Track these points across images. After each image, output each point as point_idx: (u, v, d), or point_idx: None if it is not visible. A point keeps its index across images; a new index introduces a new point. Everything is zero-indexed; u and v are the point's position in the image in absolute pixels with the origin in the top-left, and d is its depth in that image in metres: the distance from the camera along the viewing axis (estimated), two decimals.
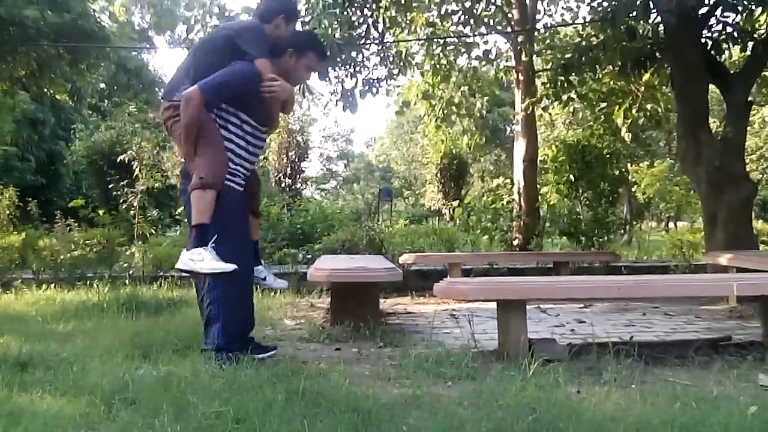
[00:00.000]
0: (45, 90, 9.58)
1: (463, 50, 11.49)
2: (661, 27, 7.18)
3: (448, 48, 11.26)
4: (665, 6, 6.41)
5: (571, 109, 11.79)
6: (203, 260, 3.20)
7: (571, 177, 9.71)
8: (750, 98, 7.01)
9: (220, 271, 3.19)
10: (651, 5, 6.47)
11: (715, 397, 2.79)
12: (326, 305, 5.73)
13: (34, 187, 17.92)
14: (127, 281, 6.95)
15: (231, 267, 3.19)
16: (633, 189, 15.88)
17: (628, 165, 16.69)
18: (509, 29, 11.00)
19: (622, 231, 8.74)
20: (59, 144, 18.44)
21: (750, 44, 7.17)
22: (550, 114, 12.20)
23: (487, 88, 12.12)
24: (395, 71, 9.01)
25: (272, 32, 3.55)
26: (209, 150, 3.29)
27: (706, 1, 6.59)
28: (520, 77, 11.23)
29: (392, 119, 43.53)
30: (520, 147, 11.38)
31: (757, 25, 7.42)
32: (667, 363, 3.46)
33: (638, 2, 6.28)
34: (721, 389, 2.94)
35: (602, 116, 10.51)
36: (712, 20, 7.03)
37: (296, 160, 13.61)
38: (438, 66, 11.38)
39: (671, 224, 24.30)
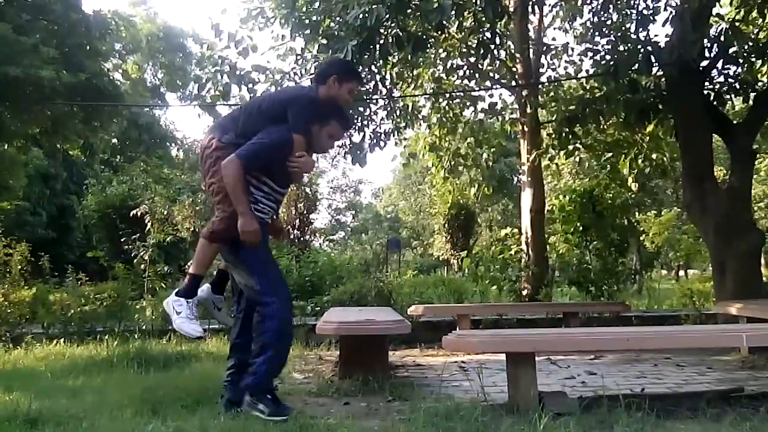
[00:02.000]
0: (58, 147, 9.78)
1: (468, 103, 11.70)
2: (663, 79, 7.32)
3: (453, 101, 11.45)
4: (666, 59, 6.56)
5: (577, 159, 11.92)
6: (180, 314, 3.51)
7: (580, 226, 9.76)
8: (755, 146, 7.08)
9: (186, 333, 3.52)
10: (652, 59, 6.62)
11: None
12: (335, 358, 5.71)
13: (44, 240, 18.02)
14: (136, 335, 6.95)
15: (197, 334, 3.54)
16: (642, 238, 15.88)
17: (636, 214, 16.72)
18: (513, 83, 11.18)
19: (633, 280, 8.70)
20: (70, 198, 18.67)
21: (752, 95, 7.30)
22: (556, 164, 12.29)
23: (493, 140, 12.27)
24: (402, 125, 9.14)
25: (326, 92, 3.70)
26: (228, 209, 3.47)
27: (707, 54, 6.72)
28: (526, 129, 11.37)
29: (400, 169, 43.80)
30: (527, 197, 11.45)
31: (759, 76, 7.52)
32: (679, 416, 3.43)
33: (640, 56, 6.43)
34: None
35: (608, 166, 10.62)
36: (714, 72, 7.16)
37: (305, 212, 13.72)
38: (444, 119, 11.54)
39: (681, 272, 24.15)
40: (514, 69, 11.07)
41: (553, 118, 10.25)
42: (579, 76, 9.32)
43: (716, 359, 5.99)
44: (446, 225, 14.46)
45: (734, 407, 3.58)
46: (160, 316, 7.58)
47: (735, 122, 7.26)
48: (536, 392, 3.44)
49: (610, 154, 10.27)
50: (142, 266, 8.07)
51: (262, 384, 3.46)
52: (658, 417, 3.38)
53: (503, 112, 12.02)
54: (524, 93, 10.80)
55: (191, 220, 15.18)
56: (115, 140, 24.16)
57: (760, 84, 7.39)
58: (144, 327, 7.56)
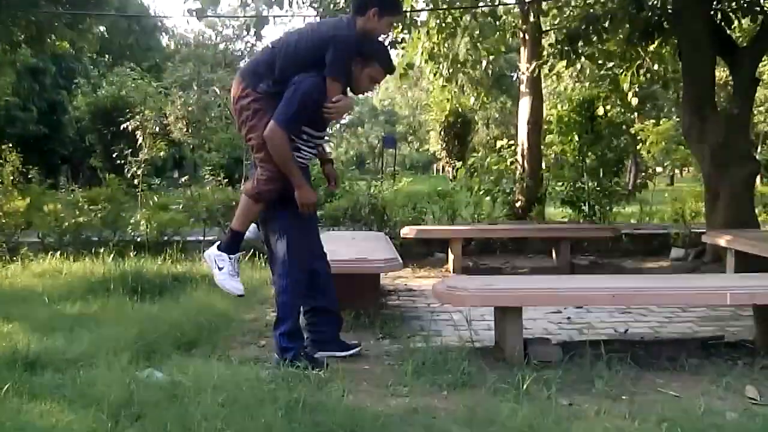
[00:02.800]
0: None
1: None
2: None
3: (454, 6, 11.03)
4: None
5: (578, 66, 11.65)
6: (222, 270, 3.53)
7: (576, 140, 9.66)
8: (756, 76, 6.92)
9: (226, 289, 3.57)
10: None
11: (702, 413, 2.88)
12: None
13: (36, 137, 17.89)
14: (132, 251, 7.03)
15: (239, 291, 3.55)
16: (638, 147, 15.76)
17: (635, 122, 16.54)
18: None
19: (626, 200, 8.72)
20: (61, 93, 18.32)
21: (760, 18, 7.04)
22: (557, 73, 12.04)
23: (493, 46, 11.93)
24: (400, 36, 8.83)
25: (364, 24, 3.50)
26: (273, 168, 3.41)
27: None
28: (527, 37, 11.05)
29: (397, 62, 42.90)
30: (524, 108, 11.28)
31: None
32: (659, 367, 3.54)
33: None
34: (708, 402, 3.02)
35: (609, 77, 10.40)
36: None
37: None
38: (444, 24, 11.16)
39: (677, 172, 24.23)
40: None
41: (556, 23, 9.91)
42: None
43: None
44: (442, 133, 14.33)
45: (713, 358, 3.70)
46: (155, 229, 7.66)
47: (741, 47, 7.04)
48: (521, 342, 3.53)
49: (612, 64, 10.01)
50: (135, 181, 8.04)
51: (289, 350, 3.51)
52: (639, 368, 3.50)
53: (504, 17, 11.64)
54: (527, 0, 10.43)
55: (183, 121, 15.05)
56: (102, 28, 23.45)
57: None
58: (139, 239, 7.63)
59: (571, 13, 8.89)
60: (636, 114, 15.81)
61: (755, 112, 31.13)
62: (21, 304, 5.00)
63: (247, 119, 3.45)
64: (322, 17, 6.15)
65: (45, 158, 18.70)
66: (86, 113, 13.35)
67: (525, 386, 3.06)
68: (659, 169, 14.70)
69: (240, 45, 30.27)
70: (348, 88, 3.65)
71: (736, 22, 7.36)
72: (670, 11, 7.01)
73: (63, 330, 4.20)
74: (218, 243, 3.63)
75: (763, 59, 7.13)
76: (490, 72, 12.17)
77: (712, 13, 6.99)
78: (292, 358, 3.46)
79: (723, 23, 7.13)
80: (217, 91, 15.65)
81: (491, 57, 12.31)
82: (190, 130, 15.25)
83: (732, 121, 6.62)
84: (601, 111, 9.44)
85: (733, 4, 7.08)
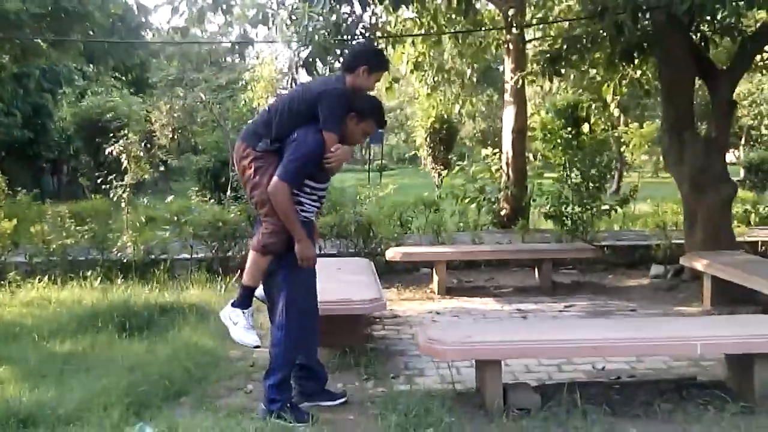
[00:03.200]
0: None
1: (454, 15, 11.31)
2: (650, 21, 7.13)
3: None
4: (654, 4, 6.36)
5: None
6: (237, 324, 3.66)
7: (560, 149, 9.79)
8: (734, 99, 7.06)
9: (243, 343, 3.68)
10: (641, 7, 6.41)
11: None
12: None
13: (21, 141, 17.81)
14: (119, 278, 7.09)
15: (254, 343, 3.63)
16: (622, 149, 15.97)
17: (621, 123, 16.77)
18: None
19: (609, 215, 8.86)
20: (44, 97, 18.18)
21: (739, 39, 7.16)
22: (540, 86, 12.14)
23: (477, 55, 12.01)
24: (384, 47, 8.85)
25: (353, 81, 3.65)
26: (277, 222, 3.53)
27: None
28: (511, 47, 11.13)
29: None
30: (509, 117, 11.40)
31: (744, 22, 7.36)
32: (633, 414, 3.67)
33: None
34: None
35: (593, 84, 10.51)
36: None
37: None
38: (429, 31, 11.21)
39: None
40: None
41: (538, 45, 10.02)
42: (564, 18, 9.04)
43: (679, 309, 6.29)
44: (428, 139, 14.43)
45: (686, 400, 3.83)
46: (141, 251, 7.72)
47: (719, 69, 7.17)
48: (501, 391, 3.65)
49: (594, 72, 10.10)
50: (122, 204, 8.08)
51: (275, 401, 3.60)
52: (614, 414, 3.63)
53: (488, 26, 11.70)
54: (510, 12, 10.50)
55: (169, 127, 15.04)
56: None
57: (747, 28, 7.23)
58: (125, 261, 7.67)
59: (553, 34, 8.96)
60: (621, 116, 16.05)
61: (739, 106, 31.51)
62: (11, 342, 5.08)
63: (250, 177, 3.59)
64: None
65: (30, 162, 18.65)
66: (71, 123, 13.34)
67: None
68: (645, 157, 14.88)
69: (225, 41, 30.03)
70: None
71: (713, 45, 7.47)
72: (650, 33, 7.09)
73: (52, 375, 4.30)
74: (232, 301, 3.75)
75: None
76: (474, 80, 12.23)
77: (691, 34, 7.11)
78: (278, 410, 3.57)
79: (702, 45, 7.25)
80: (203, 96, 15.59)
81: (476, 65, 12.43)
82: (176, 137, 15.27)
83: (710, 145, 6.76)
84: (585, 126, 9.57)
85: (714, 26, 7.18)
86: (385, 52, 4.01)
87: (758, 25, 7.44)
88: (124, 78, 18.89)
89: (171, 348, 4.77)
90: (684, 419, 3.58)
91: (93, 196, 8.45)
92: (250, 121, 3.84)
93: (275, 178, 3.46)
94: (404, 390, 4.07)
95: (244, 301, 3.69)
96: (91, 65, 14.46)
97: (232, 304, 3.71)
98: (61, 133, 17.22)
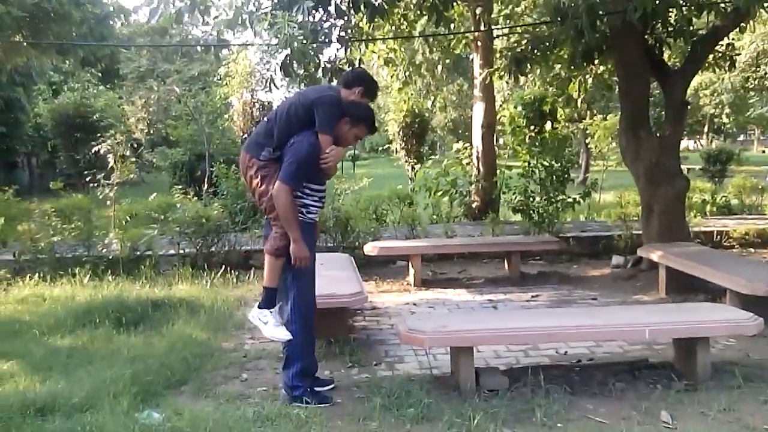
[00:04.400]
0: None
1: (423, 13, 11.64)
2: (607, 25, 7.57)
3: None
4: (610, 9, 6.79)
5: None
6: (267, 323, 3.99)
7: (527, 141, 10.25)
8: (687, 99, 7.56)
9: (277, 339, 4.01)
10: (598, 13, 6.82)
11: None
12: None
13: None
14: (109, 275, 7.37)
15: (287, 337, 3.94)
16: (588, 141, 16.53)
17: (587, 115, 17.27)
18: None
19: (573, 208, 9.38)
20: (17, 91, 18.15)
21: (691, 41, 7.64)
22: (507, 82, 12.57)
23: (447, 51, 12.40)
24: (356, 57, 9.21)
25: (347, 96, 4.04)
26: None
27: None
28: (479, 43, 11.55)
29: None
30: (478, 113, 11.84)
31: (696, 24, 7.84)
32: (590, 393, 4.13)
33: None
34: (629, 428, 3.61)
35: (559, 79, 10.97)
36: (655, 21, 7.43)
37: (261, 119, 13.79)
38: (399, 30, 11.54)
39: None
40: None
41: (504, 46, 10.42)
42: (530, 24, 9.46)
43: (638, 298, 6.79)
44: (400, 132, 14.82)
45: (638, 380, 4.30)
46: (127, 248, 8.00)
47: (673, 70, 7.65)
48: (473, 375, 4.07)
49: (559, 66, 10.53)
50: (107, 202, 8.34)
51: (298, 387, 3.99)
52: (572, 394, 4.08)
53: (457, 20, 12.03)
54: (478, 11, 10.89)
55: (144, 122, 15.19)
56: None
57: (699, 32, 7.71)
58: (111, 257, 7.94)
59: (519, 31, 9.38)
60: (587, 108, 16.56)
61: (701, 95, 32.44)
62: (13, 338, 5.37)
63: (257, 186, 3.95)
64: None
65: (4, 157, 18.61)
66: (48, 119, 13.44)
67: (476, 421, 3.61)
68: (613, 145, 15.37)
69: (197, 32, 30.06)
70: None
71: (667, 48, 7.95)
72: (608, 36, 7.53)
73: (59, 368, 4.62)
74: (257, 303, 4.08)
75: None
76: (445, 76, 12.64)
77: (646, 37, 7.57)
78: (300, 395, 3.97)
79: (657, 47, 7.73)
80: (177, 90, 15.79)
81: (447, 60, 12.84)
82: (152, 131, 15.44)
83: (664, 142, 7.25)
84: (548, 124, 10.03)
85: (667, 29, 7.65)
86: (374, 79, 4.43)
87: (709, 27, 7.95)
88: (93, 70, 18.94)
89: (167, 341, 5.12)
90: (635, 396, 4.05)
91: (72, 193, 8.63)
92: (252, 133, 4.20)
93: (277, 182, 3.82)
94: (386, 375, 4.50)
95: (268, 301, 4.03)
96: (62, 58, 14.46)
97: (259, 306, 4.05)
98: (35, 128, 17.22)
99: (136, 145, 12.81)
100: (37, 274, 7.57)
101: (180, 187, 10.08)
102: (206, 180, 12.10)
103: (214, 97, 16.90)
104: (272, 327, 3.98)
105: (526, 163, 9.16)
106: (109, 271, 7.59)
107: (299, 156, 3.85)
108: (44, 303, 6.53)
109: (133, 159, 9.18)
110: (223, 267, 7.75)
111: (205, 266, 7.86)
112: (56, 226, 8.15)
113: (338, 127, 4.00)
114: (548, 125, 10.29)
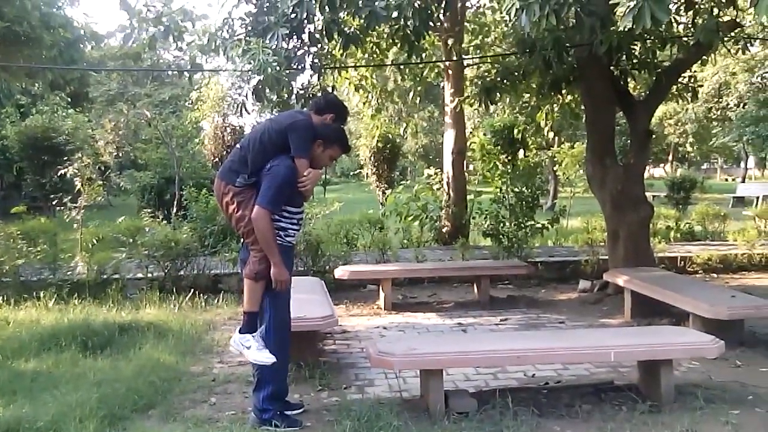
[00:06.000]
0: None
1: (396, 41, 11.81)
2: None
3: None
4: (577, 42, 6.99)
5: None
6: (250, 348, 3.96)
7: (498, 168, 10.42)
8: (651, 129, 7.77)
9: (261, 362, 3.94)
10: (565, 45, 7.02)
11: None
12: None
13: None
14: (75, 300, 7.27)
15: (271, 360, 3.90)
16: (555, 168, 16.81)
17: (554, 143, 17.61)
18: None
19: (542, 233, 9.56)
20: None
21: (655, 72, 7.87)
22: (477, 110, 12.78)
23: (418, 79, 12.56)
24: (329, 84, 9.31)
25: (318, 121, 4.11)
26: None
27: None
28: (450, 72, 11.74)
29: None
30: (449, 139, 12.00)
31: (660, 56, 8.09)
32: (558, 414, 4.18)
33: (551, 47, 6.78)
34: None
35: (528, 108, 11.18)
36: (620, 53, 7.64)
37: (233, 144, 13.77)
38: (371, 58, 11.69)
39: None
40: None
41: (474, 75, 10.62)
42: (499, 54, 9.69)
43: (604, 321, 6.90)
44: (372, 158, 14.96)
45: (603, 402, 4.37)
46: (94, 272, 7.91)
47: (637, 101, 7.87)
48: (442, 397, 4.11)
49: (528, 95, 10.73)
50: (74, 225, 8.25)
51: (267, 411, 3.97)
52: (540, 416, 4.13)
53: (428, 49, 12.22)
54: (449, 41, 11.09)
55: (114, 145, 15.08)
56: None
57: (664, 64, 7.95)
58: (77, 280, 7.83)
59: (489, 62, 9.59)
60: (555, 137, 16.89)
61: (666, 125, 33.25)
62: None
63: (234, 212, 3.96)
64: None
65: None
66: (15, 142, 13.29)
67: None
68: (581, 172, 15.67)
69: (168, 56, 30.02)
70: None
71: (632, 80, 8.19)
72: (575, 68, 7.74)
73: (24, 392, 4.54)
74: (238, 329, 4.07)
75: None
76: (417, 102, 12.79)
77: (612, 68, 7.78)
78: (270, 418, 3.95)
79: (622, 78, 7.95)
80: (147, 114, 15.72)
81: (419, 88, 13.01)
82: (120, 154, 15.32)
83: (629, 170, 7.44)
84: (520, 152, 10.22)
85: (632, 61, 7.88)
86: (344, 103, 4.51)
87: (672, 59, 8.21)
88: (62, 93, 18.80)
89: (134, 364, 5.06)
90: (601, 418, 4.11)
91: (38, 216, 8.53)
92: (225, 160, 4.24)
93: (257, 207, 3.85)
94: (356, 398, 4.51)
95: (250, 325, 4.02)
96: (31, 81, 14.39)
97: (240, 331, 4.04)
98: (1, 150, 16.96)
99: (103, 168, 12.67)
100: (0, 297, 7.43)
101: (149, 210, 10.02)
102: (175, 203, 12.04)
103: (184, 121, 16.87)
104: (255, 351, 3.96)
105: (498, 189, 9.30)
106: (75, 295, 7.48)
107: (277, 181, 3.89)
108: (8, 326, 6.40)
109: (101, 182, 9.08)
110: (192, 291, 7.70)
111: (174, 290, 7.80)
112: (21, 249, 8.04)
113: (313, 150, 4.05)
114: (521, 153, 10.43)
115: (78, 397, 4.25)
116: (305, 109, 4.71)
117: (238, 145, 4.19)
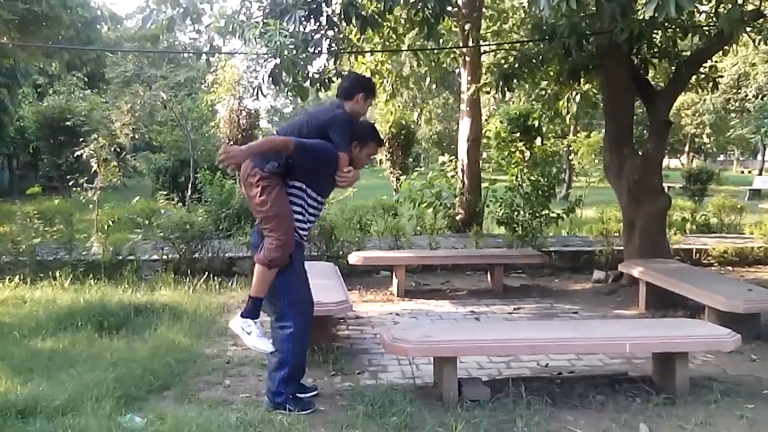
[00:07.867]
0: None
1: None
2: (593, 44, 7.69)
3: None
4: (597, 29, 6.91)
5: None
6: (250, 334, 3.98)
7: (513, 155, 10.38)
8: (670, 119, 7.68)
9: (259, 350, 4.00)
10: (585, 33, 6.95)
11: None
12: None
13: None
14: (91, 279, 7.32)
15: (269, 349, 3.95)
16: (570, 157, 16.70)
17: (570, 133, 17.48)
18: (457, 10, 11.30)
19: (563, 193, 9.52)
20: (1, 92, 17.99)
21: (676, 62, 7.78)
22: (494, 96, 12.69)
23: (434, 66, 12.48)
24: (344, 67, 9.26)
25: (352, 107, 4.10)
26: (281, 237, 3.87)
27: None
28: (467, 59, 11.66)
29: None
30: (464, 126, 11.94)
31: (681, 46, 7.98)
32: (571, 404, 4.17)
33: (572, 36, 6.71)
34: None
35: (546, 95, 11.09)
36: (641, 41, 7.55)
37: (248, 128, 13.79)
38: (387, 43, 11.62)
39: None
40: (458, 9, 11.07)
41: (493, 61, 10.54)
42: (518, 41, 9.60)
43: (618, 313, 6.87)
44: (386, 143, 14.90)
45: (617, 393, 4.36)
46: (109, 252, 7.96)
47: (657, 90, 7.78)
48: (456, 385, 4.11)
49: (545, 83, 10.64)
50: (90, 206, 8.30)
51: (281, 394, 3.99)
52: (553, 405, 4.13)
53: (445, 34, 12.13)
54: (467, 26, 11.01)
55: (130, 127, 15.09)
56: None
57: (684, 54, 7.85)
58: (93, 261, 7.90)
59: (506, 47, 9.51)
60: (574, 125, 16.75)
61: (683, 115, 32.93)
62: None
63: (256, 195, 3.92)
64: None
65: None
66: (33, 122, 13.35)
67: (458, 431, 3.64)
68: (596, 161, 15.63)
69: (184, 38, 29.99)
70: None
71: (652, 68, 8.09)
72: (594, 55, 7.65)
73: (40, 370, 4.59)
74: (241, 312, 4.06)
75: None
76: (433, 88, 12.72)
77: (632, 57, 7.69)
78: (283, 402, 3.97)
79: (642, 68, 7.86)
80: (163, 96, 15.69)
81: (435, 74, 12.91)
82: (136, 136, 15.33)
83: (647, 160, 7.36)
84: (537, 139, 10.14)
85: (653, 50, 7.79)
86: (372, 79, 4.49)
87: (693, 49, 8.10)
88: (79, 74, 18.86)
89: (150, 345, 5.10)
90: (614, 409, 4.10)
91: (53, 196, 8.60)
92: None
93: (291, 138, 3.86)
94: (369, 384, 4.52)
95: (253, 311, 4.01)
96: (49, 60, 14.44)
97: (242, 315, 4.03)
98: (18, 129, 17.07)
99: (119, 150, 12.72)
100: (17, 276, 7.50)
101: (164, 192, 10.05)
102: (190, 186, 12.07)
103: (200, 104, 16.87)
104: (255, 337, 3.97)
105: (514, 177, 9.26)
106: (91, 275, 7.53)
107: (321, 145, 3.91)
108: (25, 305, 6.48)
109: (116, 163, 9.12)
110: (207, 273, 7.74)
111: (188, 272, 7.84)
112: (38, 229, 8.10)
113: (350, 152, 4.06)
114: (538, 141, 10.35)
115: (94, 377, 4.30)
116: (321, 93, 4.65)
117: (275, 132, 4.20)
